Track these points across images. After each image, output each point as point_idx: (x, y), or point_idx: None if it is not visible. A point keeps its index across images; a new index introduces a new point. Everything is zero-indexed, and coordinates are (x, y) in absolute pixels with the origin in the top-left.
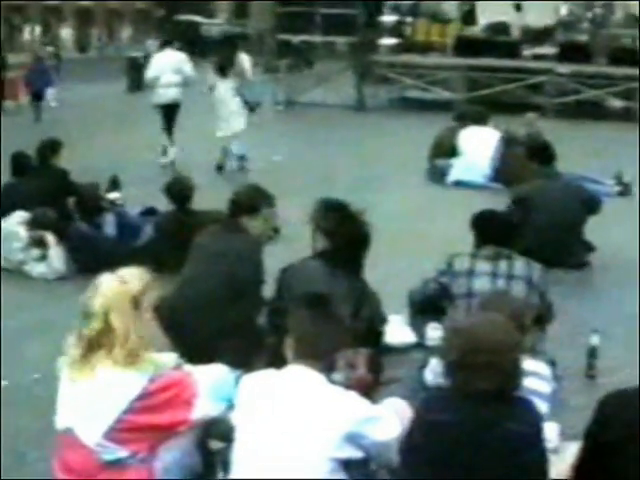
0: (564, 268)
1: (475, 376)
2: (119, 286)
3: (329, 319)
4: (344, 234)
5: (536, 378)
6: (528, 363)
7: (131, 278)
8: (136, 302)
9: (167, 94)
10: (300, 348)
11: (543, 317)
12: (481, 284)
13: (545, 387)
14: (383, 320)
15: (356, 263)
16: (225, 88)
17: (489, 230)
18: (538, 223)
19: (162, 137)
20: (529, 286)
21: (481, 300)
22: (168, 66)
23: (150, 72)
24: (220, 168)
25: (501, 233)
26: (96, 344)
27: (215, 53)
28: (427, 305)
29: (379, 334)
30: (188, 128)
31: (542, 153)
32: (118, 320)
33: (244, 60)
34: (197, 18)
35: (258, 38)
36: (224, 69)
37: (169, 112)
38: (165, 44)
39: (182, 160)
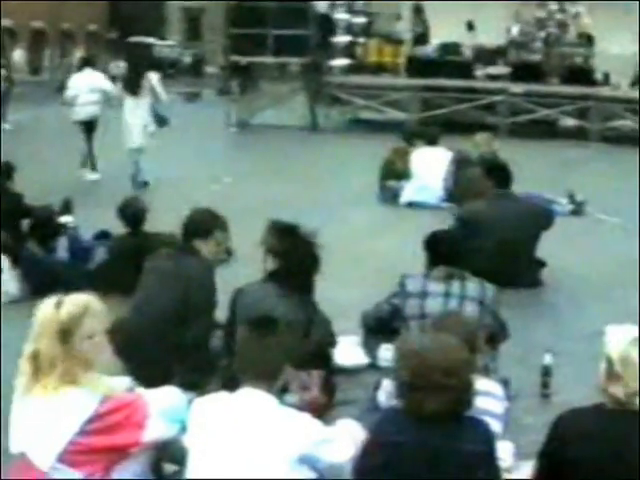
0: (517, 287)
1: (426, 397)
2: (51, 311)
3: (274, 341)
4: (294, 256)
5: (489, 398)
6: (481, 383)
7: (68, 304)
8: (66, 328)
9: (85, 111)
10: (247, 370)
11: (496, 337)
12: (434, 305)
13: (498, 407)
14: (333, 341)
15: (306, 285)
16: (131, 105)
17: (441, 251)
18: (489, 242)
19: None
20: (482, 306)
21: (434, 321)
22: (86, 85)
23: (68, 92)
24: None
25: (453, 254)
26: (37, 367)
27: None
28: (380, 326)
29: (329, 355)
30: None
31: (499, 174)
32: (44, 344)
33: (153, 78)
34: (150, 40)
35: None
36: (131, 87)
37: (88, 128)
38: (84, 64)
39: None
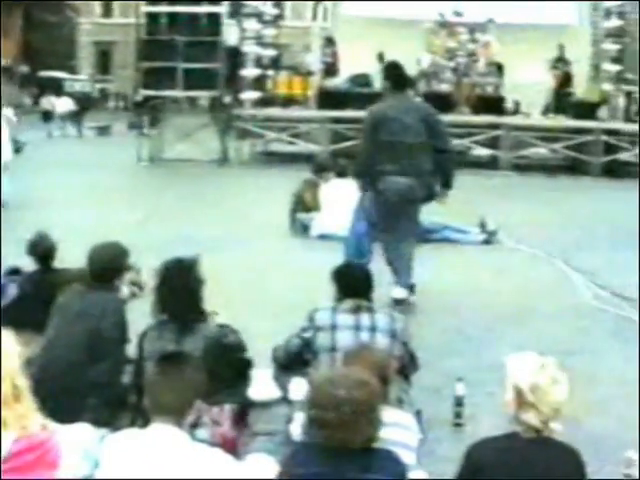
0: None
1: (334, 431)
2: None
3: (179, 377)
4: (183, 293)
5: (402, 429)
6: (393, 415)
7: None
8: None
9: None
10: (156, 406)
11: (407, 368)
12: (344, 338)
13: (411, 438)
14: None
15: (204, 320)
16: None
17: (350, 283)
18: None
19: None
20: (392, 338)
21: (344, 354)
22: None
23: None
24: None
25: (362, 286)
26: None
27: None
28: (290, 360)
29: (242, 389)
30: None
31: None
32: None
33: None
34: (61, 74)
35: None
36: None
37: None
38: None
39: None
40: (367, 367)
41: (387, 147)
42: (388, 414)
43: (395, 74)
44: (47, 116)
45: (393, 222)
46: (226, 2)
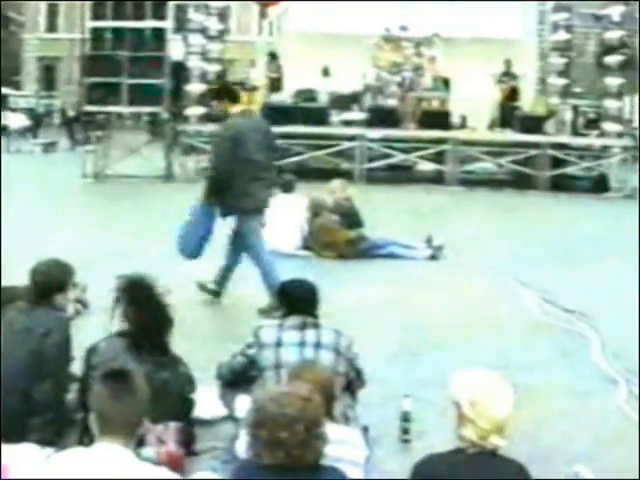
0: None
1: (274, 449)
2: None
3: (127, 394)
4: (142, 316)
5: (348, 446)
6: (339, 431)
7: None
8: None
9: None
10: (102, 425)
11: (353, 384)
12: (289, 354)
13: (357, 454)
14: (193, 393)
15: (160, 337)
16: None
17: (295, 299)
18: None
19: None
20: (337, 354)
21: (290, 371)
22: None
23: None
24: None
25: (307, 302)
26: None
27: None
28: (235, 378)
29: (190, 407)
30: None
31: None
32: None
33: None
34: (5, 90)
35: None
36: None
37: None
38: None
39: None
40: (312, 384)
41: (245, 164)
42: (334, 431)
43: (233, 92)
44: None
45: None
46: (171, 17)
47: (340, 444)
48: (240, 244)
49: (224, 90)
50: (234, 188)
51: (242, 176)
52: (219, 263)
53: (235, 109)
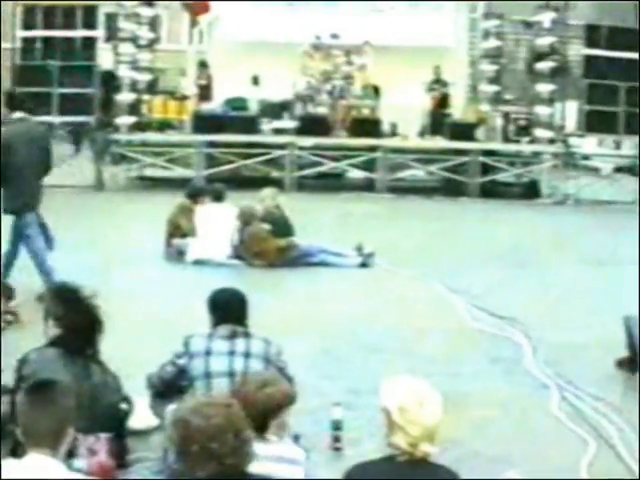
0: None
1: (192, 464)
2: None
3: (48, 405)
4: (73, 320)
5: (286, 464)
6: (278, 448)
7: None
8: None
9: None
10: (30, 436)
11: None
12: (219, 364)
13: (296, 472)
14: (125, 403)
15: (90, 347)
16: None
17: (225, 309)
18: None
19: None
20: (267, 363)
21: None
22: None
23: None
24: None
25: (237, 311)
26: None
27: None
28: (166, 388)
29: (122, 418)
30: None
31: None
32: None
33: None
34: None
35: None
36: None
37: None
38: None
39: None
40: (280, 395)
41: (19, 166)
42: (272, 447)
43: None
44: None
45: None
46: (101, 26)
47: (279, 462)
48: (17, 238)
49: (10, 97)
50: (10, 188)
51: (17, 178)
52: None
53: (13, 115)
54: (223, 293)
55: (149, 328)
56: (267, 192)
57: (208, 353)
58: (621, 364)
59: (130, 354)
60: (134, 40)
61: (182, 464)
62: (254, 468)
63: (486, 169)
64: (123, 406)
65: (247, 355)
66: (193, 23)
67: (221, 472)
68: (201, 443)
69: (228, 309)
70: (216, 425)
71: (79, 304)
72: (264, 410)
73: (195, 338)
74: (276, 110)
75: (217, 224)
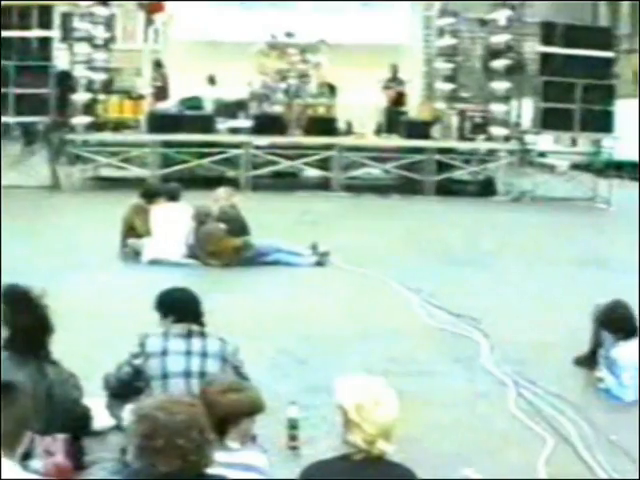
0: None
1: (155, 459)
2: None
3: (8, 407)
4: (22, 321)
5: (250, 471)
6: (242, 455)
7: None
8: None
9: None
10: None
11: None
12: (175, 363)
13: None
14: (80, 402)
15: (42, 348)
16: None
17: (178, 308)
18: None
19: None
20: (223, 362)
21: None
22: None
23: None
24: None
25: (190, 310)
26: None
27: None
28: (122, 388)
29: (82, 419)
30: None
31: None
32: None
33: None
34: None
35: None
36: None
37: None
38: None
39: None
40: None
41: None
42: (233, 455)
43: None
44: None
45: None
46: (57, 26)
47: (243, 469)
48: None
49: None
50: None
51: None
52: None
53: None
54: (174, 292)
55: (105, 328)
56: (222, 192)
57: (164, 353)
58: (579, 362)
59: (86, 355)
60: (90, 40)
61: (144, 460)
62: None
63: (442, 167)
64: (83, 404)
65: (204, 354)
66: (148, 22)
67: (183, 469)
68: (166, 438)
69: (183, 308)
70: (182, 421)
71: (28, 305)
72: (225, 415)
73: (151, 338)
74: (232, 109)
75: (172, 224)
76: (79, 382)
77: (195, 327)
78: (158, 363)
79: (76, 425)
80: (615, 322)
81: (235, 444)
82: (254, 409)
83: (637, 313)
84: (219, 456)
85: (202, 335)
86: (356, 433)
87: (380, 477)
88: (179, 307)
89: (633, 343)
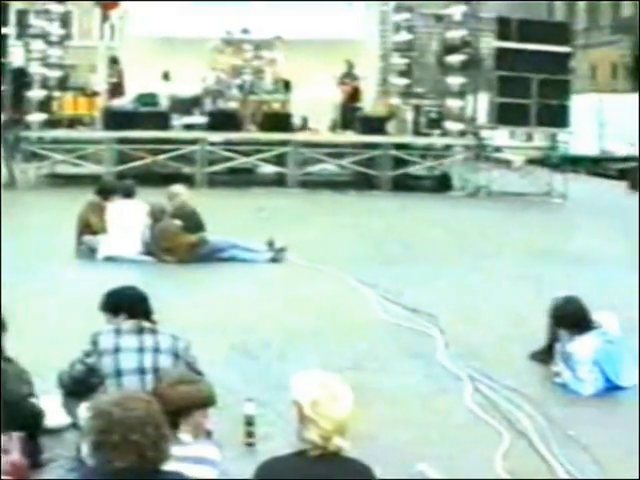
0: None
1: (111, 455)
2: None
3: None
4: None
5: (204, 465)
6: (197, 448)
7: None
8: None
9: None
10: None
11: None
12: (128, 360)
13: (212, 473)
14: (31, 399)
15: None
16: None
17: (128, 305)
18: None
19: None
20: (176, 358)
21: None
22: None
23: None
24: None
25: (139, 307)
26: None
27: None
28: (77, 386)
29: (32, 415)
30: None
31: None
32: None
33: None
34: None
35: None
36: None
37: None
38: None
39: None
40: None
41: None
42: (186, 448)
43: None
44: None
45: None
46: (12, 23)
47: (197, 463)
48: None
49: None
50: None
51: None
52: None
53: None
54: (124, 291)
55: (60, 326)
56: (177, 188)
57: (117, 350)
58: (536, 356)
59: (41, 352)
60: (45, 37)
61: (100, 456)
62: (168, 468)
63: (398, 162)
64: (34, 401)
65: (156, 351)
66: (104, 19)
67: (139, 464)
68: (122, 434)
69: (133, 306)
70: (138, 417)
71: None
72: (176, 408)
73: (103, 335)
74: (187, 106)
75: (128, 221)
76: (31, 379)
77: (146, 324)
78: (111, 360)
79: (28, 422)
80: (568, 318)
81: (187, 437)
82: (205, 401)
83: (588, 308)
84: (173, 450)
85: (154, 332)
86: (312, 429)
87: (336, 473)
88: (129, 305)
89: (588, 337)
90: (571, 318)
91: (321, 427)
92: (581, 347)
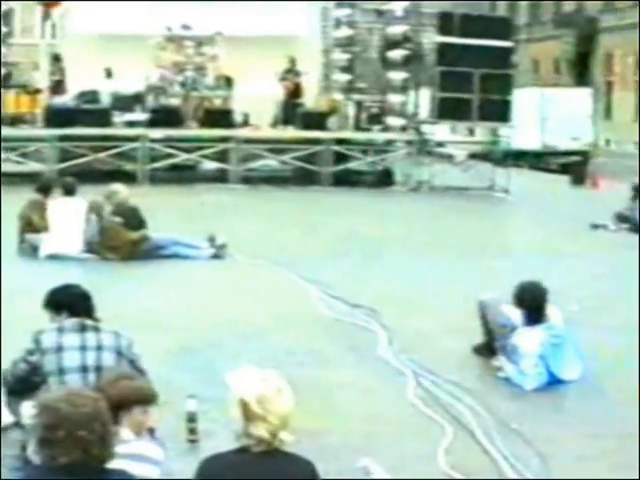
0: None
1: (57, 451)
2: None
3: None
4: None
5: (145, 463)
6: (137, 446)
7: None
8: None
9: None
10: None
11: None
12: (71, 359)
13: (154, 471)
14: None
15: None
16: None
17: (69, 303)
18: None
19: None
20: (118, 355)
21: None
22: None
23: None
24: None
25: (80, 304)
26: None
27: None
28: (19, 385)
29: None
30: None
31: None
32: None
33: None
34: None
35: None
36: None
37: None
38: None
39: None
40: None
41: None
42: (128, 446)
43: None
44: None
45: None
46: None
47: (139, 460)
48: None
49: None
50: None
51: None
52: None
53: None
54: (65, 289)
55: (2, 325)
56: (117, 186)
57: (60, 349)
58: (477, 350)
59: None
60: None
61: (44, 452)
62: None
63: (339, 158)
64: None
65: (99, 348)
66: (45, 16)
67: (84, 461)
68: (69, 429)
69: (74, 304)
70: (86, 413)
71: None
72: (116, 403)
73: (45, 334)
74: (128, 102)
75: (69, 218)
76: None
77: (89, 322)
78: (54, 359)
79: None
80: (529, 301)
81: (128, 434)
82: (144, 397)
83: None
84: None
85: (96, 329)
86: (260, 425)
87: (280, 469)
88: (71, 303)
89: (535, 331)
90: (531, 302)
91: (269, 422)
92: (528, 341)
